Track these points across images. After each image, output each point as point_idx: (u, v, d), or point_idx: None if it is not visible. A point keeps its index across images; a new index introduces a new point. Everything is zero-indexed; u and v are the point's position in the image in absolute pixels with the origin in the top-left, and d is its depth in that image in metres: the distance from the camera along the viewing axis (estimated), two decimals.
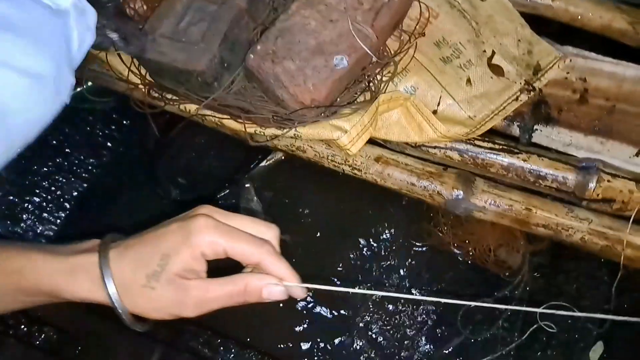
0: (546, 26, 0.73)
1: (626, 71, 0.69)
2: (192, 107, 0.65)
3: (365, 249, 0.73)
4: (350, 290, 0.44)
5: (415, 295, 0.47)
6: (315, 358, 0.68)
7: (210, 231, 0.40)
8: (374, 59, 0.62)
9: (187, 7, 0.63)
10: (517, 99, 0.67)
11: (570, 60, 0.70)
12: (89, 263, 0.41)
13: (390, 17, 0.62)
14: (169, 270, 0.40)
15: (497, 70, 0.69)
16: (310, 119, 0.60)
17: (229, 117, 0.63)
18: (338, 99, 0.62)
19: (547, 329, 0.56)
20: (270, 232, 0.43)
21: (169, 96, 0.66)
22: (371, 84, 0.64)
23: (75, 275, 0.41)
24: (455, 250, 0.71)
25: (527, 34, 0.72)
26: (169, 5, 0.63)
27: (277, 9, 0.64)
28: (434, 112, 0.66)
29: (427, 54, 0.68)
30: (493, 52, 0.70)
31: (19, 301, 0.44)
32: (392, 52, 0.66)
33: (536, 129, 0.68)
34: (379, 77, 0.64)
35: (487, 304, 0.47)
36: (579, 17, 0.73)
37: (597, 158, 0.65)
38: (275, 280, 0.42)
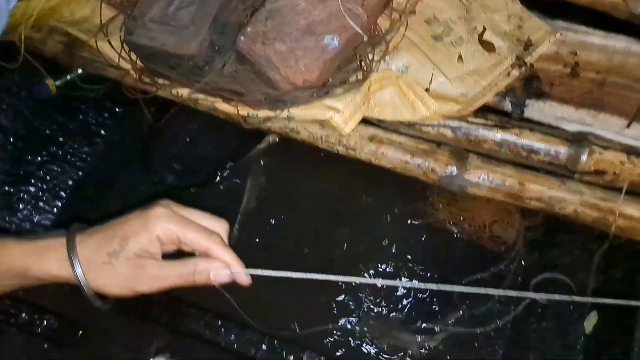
0: (536, 1, 0.73)
1: (616, 44, 0.69)
2: (184, 92, 0.65)
3: (360, 229, 0.73)
4: (298, 275, 0.48)
5: (380, 280, 0.50)
6: (316, 338, 0.69)
7: (165, 219, 0.46)
8: (365, 38, 0.62)
9: None
10: (508, 74, 0.67)
11: (561, 35, 0.70)
12: (57, 244, 0.47)
13: None
14: (127, 250, 0.45)
15: (488, 46, 0.69)
16: (302, 99, 0.60)
17: (221, 99, 0.63)
18: (330, 79, 0.62)
19: (540, 301, 0.57)
20: (219, 225, 0.49)
21: (161, 81, 0.66)
22: (363, 64, 0.64)
23: (44, 255, 0.46)
24: (451, 227, 0.72)
25: (517, 9, 0.71)
26: None
27: None
28: (427, 89, 0.66)
29: (418, 32, 0.68)
30: (484, 28, 0.70)
31: None
32: (383, 31, 0.66)
33: (528, 104, 0.68)
34: (370, 56, 0.64)
35: (470, 289, 0.48)
36: None
37: (589, 131, 0.65)
38: (221, 265, 0.47)
